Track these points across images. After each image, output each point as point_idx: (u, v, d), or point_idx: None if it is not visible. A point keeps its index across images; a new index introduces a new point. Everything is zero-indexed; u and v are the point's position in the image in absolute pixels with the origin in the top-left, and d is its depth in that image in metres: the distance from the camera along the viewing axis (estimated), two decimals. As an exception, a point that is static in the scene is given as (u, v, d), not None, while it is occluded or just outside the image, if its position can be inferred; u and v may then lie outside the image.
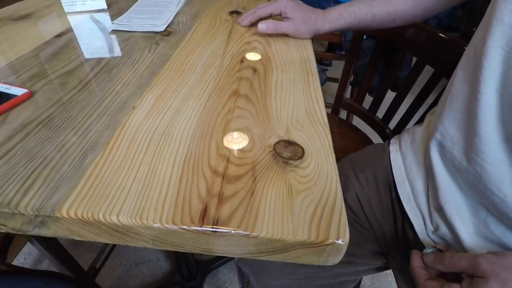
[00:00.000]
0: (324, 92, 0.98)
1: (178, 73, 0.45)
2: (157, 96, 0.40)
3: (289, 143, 0.33)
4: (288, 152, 0.32)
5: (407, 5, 0.54)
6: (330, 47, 2.08)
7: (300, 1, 0.59)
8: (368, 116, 0.85)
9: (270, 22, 0.55)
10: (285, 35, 0.58)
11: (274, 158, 0.31)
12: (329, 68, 2.30)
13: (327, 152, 0.32)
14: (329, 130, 0.35)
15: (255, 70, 0.46)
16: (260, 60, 0.50)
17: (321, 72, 2.08)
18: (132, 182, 0.28)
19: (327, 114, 0.88)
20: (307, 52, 0.52)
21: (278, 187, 0.28)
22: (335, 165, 0.31)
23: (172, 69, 0.46)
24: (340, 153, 0.69)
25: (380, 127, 0.82)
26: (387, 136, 0.80)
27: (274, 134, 0.34)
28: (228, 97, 0.40)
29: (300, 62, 0.49)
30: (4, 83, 0.41)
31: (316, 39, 1.99)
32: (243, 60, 0.49)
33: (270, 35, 0.58)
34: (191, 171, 0.29)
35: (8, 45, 0.53)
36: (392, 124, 0.80)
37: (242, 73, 0.46)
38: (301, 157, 0.31)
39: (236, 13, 0.70)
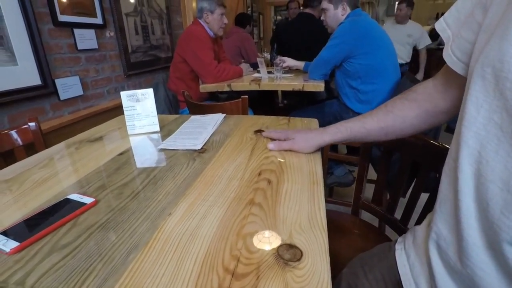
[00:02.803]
0: (352, 190, 1.05)
1: (207, 184, 0.57)
2: (189, 203, 0.50)
3: (290, 246, 0.39)
4: (289, 254, 0.38)
5: (396, 123, 0.62)
6: (351, 150, 2.20)
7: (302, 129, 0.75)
8: (387, 217, 0.87)
9: (276, 142, 0.72)
10: (299, 154, 0.69)
11: (276, 259, 0.37)
12: (356, 168, 2.38)
13: (322, 253, 0.38)
14: (327, 234, 0.41)
15: (269, 182, 0.56)
16: (274, 171, 0.60)
17: (348, 173, 2.16)
18: (162, 275, 0.35)
19: (348, 215, 0.92)
20: (316, 165, 0.63)
21: (276, 285, 0.33)
22: (328, 264, 0.36)
23: (203, 181, 0.58)
24: (358, 254, 0.71)
25: (399, 227, 0.83)
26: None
27: (278, 238, 0.41)
28: (245, 205, 0.49)
29: (308, 173, 0.59)
30: (78, 193, 0.54)
31: (341, 144, 2.14)
32: (260, 173, 0.60)
33: (285, 151, 0.71)
34: (208, 267, 0.36)
35: (85, 161, 0.70)
36: (411, 224, 0.81)
37: (258, 184, 0.56)
38: (299, 259, 0.37)
39: (260, 131, 0.85)
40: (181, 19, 2.93)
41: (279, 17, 4.27)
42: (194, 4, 2.99)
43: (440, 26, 0.51)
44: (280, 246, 0.39)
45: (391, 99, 0.64)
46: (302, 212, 0.47)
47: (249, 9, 5.35)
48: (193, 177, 0.60)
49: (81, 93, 1.72)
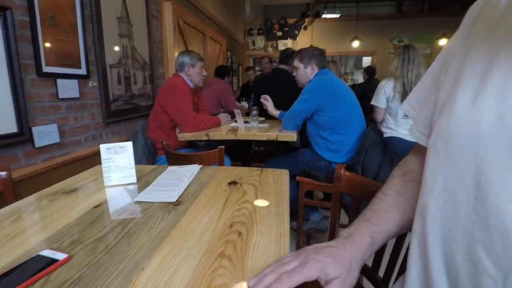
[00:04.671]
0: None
1: (181, 237, 0.59)
2: (163, 257, 0.53)
3: (256, 298, 0.42)
4: (254, 306, 0.41)
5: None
6: (327, 195, 2.27)
7: (322, 246, 0.48)
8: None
9: None
10: (269, 205, 0.74)
11: (242, 311, 0.40)
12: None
13: (284, 306, 0.41)
14: (290, 286, 0.45)
15: (239, 234, 0.60)
16: (245, 223, 0.64)
17: (324, 219, 2.20)
18: (132, 332, 0.37)
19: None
20: (284, 217, 0.67)
21: (241, 337, 0.36)
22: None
23: (177, 234, 0.61)
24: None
25: (370, 275, 0.87)
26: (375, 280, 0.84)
27: (245, 290, 0.44)
28: (215, 258, 0.52)
29: (276, 225, 0.64)
30: (51, 249, 0.55)
31: (318, 191, 2.20)
32: (232, 225, 0.64)
33: (256, 201, 0.75)
34: (177, 322, 0.38)
35: (60, 214, 0.71)
36: (382, 271, 0.85)
37: (229, 236, 0.59)
38: (263, 311, 0.40)
39: (234, 183, 0.90)
40: (164, 70, 3.08)
41: (258, 72, 4.73)
42: (176, 54, 3.17)
43: (405, 107, 0.57)
44: (246, 298, 0.42)
45: (394, 183, 0.58)
46: (269, 263, 0.50)
47: (229, 60, 5.69)
48: (168, 229, 0.63)
49: (58, 140, 1.73)
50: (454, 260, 0.37)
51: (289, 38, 6.98)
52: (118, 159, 0.91)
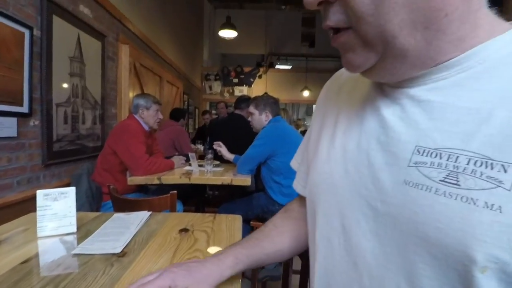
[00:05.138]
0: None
1: (123, 294, 0.54)
2: (99, 319, 0.47)
3: None
4: None
5: (291, 244, 0.60)
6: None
7: (187, 262, 0.56)
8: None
9: None
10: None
11: None
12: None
13: None
14: None
15: (189, 287, 0.57)
16: (196, 275, 0.61)
17: (279, 266, 2.16)
18: None
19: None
20: (235, 265, 0.66)
21: None
22: None
23: (119, 290, 0.56)
24: None
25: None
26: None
27: None
28: (161, 315, 0.48)
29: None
30: (-39, 316, 0.47)
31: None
32: (181, 277, 0.60)
33: (208, 249, 0.73)
34: None
35: (-24, 274, 0.61)
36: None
37: (178, 290, 0.56)
38: None
39: (185, 231, 0.87)
40: (116, 110, 2.99)
41: (214, 115, 4.93)
42: (131, 95, 3.12)
43: (293, 164, 0.64)
44: None
45: (275, 218, 0.64)
46: (219, 318, 0.48)
47: (186, 103, 5.74)
48: (109, 285, 0.57)
49: (-16, 184, 1.53)
50: None
51: (244, 85, 7.33)
52: (57, 206, 0.83)
